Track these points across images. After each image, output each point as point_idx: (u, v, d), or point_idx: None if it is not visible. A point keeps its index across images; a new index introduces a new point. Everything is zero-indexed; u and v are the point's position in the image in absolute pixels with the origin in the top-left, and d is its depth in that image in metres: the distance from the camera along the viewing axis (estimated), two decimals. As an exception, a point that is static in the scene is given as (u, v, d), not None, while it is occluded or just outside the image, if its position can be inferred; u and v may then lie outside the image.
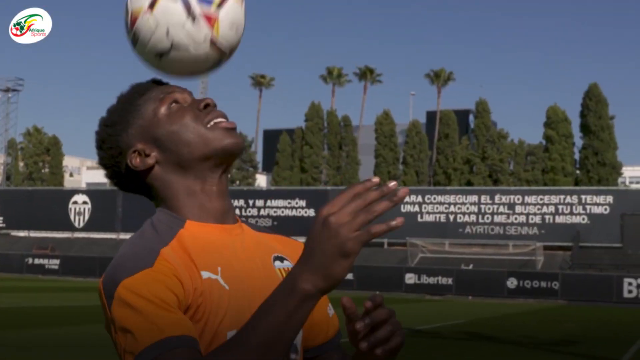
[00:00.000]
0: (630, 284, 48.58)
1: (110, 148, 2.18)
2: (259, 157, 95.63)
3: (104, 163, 2.22)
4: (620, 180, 76.22)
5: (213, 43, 2.11)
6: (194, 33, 2.08)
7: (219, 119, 2.12)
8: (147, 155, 2.13)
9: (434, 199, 62.44)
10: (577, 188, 62.93)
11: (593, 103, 72.15)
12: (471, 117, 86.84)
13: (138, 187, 2.20)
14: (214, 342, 1.95)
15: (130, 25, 2.14)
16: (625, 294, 48.43)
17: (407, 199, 62.21)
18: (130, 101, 2.17)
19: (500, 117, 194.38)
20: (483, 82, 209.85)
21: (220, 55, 2.15)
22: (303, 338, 2.23)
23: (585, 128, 72.43)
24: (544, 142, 74.44)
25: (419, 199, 62.52)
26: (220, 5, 2.09)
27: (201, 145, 2.09)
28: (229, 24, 2.11)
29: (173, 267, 1.94)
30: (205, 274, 1.99)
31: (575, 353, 19.30)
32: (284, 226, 59.92)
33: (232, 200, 2.20)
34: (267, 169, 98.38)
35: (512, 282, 50.85)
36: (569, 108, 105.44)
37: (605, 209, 58.77)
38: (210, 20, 2.08)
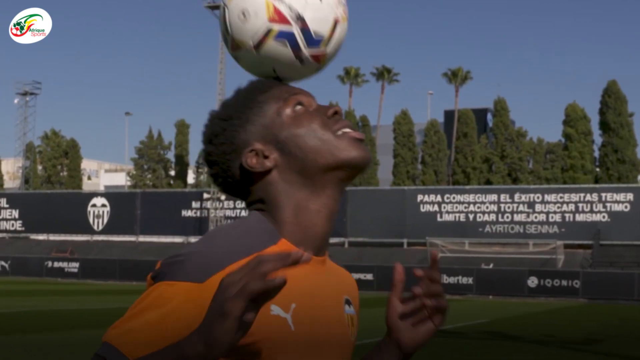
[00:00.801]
0: (651, 281, 48.33)
1: (223, 143, 2.00)
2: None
3: (212, 159, 2.03)
4: (639, 177, 75.88)
5: (318, 69, 2.10)
6: (301, 70, 2.06)
7: (348, 129, 1.98)
8: (266, 157, 1.96)
9: (453, 198, 62.33)
10: (597, 186, 62.73)
11: (612, 100, 71.84)
12: (489, 116, 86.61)
13: (243, 191, 2.03)
14: None
15: (232, 48, 2.06)
16: (647, 292, 48.18)
17: (426, 199, 62.26)
18: (251, 97, 2.01)
19: (519, 115, 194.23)
20: (501, 80, 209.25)
21: (321, 70, 2.13)
22: None
23: (604, 125, 72.15)
24: (563, 140, 74.23)
25: (438, 198, 62.44)
26: (328, 42, 2.04)
27: (328, 154, 1.95)
28: (335, 50, 2.09)
29: None
30: (275, 309, 1.82)
31: (598, 352, 19.15)
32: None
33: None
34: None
35: (532, 281, 50.68)
36: (588, 105, 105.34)
37: (626, 207, 58.55)
38: (319, 57, 2.05)
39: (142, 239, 69.21)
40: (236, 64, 2.11)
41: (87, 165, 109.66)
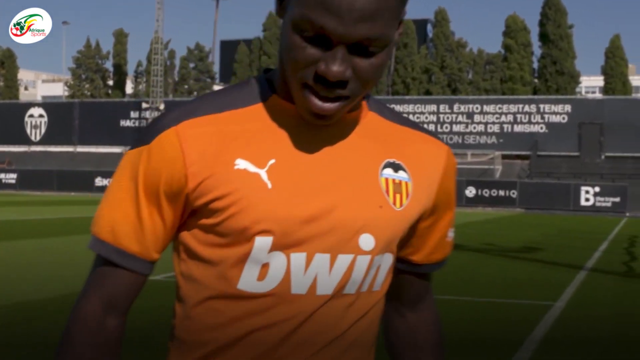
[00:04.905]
0: (587, 192, 49.06)
1: None
2: (216, 68, 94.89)
3: None
4: (577, 89, 76.51)
5: None
6: None
7: (315, 99, 1.68)
8: (283, 8, 1.70)
9: (393, 108, 62.20)
10: (536, 97, 63.14)
11: (552, 12, 72.03)
12: (430, 27, 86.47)
13: None
14: (239, 242, 1.68)
15: None
16: (583, 202, 48.93)
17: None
18: None
19: (459, 26, 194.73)
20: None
21: None
22: (398, 247, 1.92)
23: (544, 37, 72.42)
24: (502, 51, 74.43)
25: (378, 109, 62.44)
26: None
27: (291, 88, 1.70)
28: None
29: (177, 148, 1.70)
30: (241, 164, 1.68)
31: (539, 260, 19.40)
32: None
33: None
34: (224, 79, 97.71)
35: (470, 191, 51.15)
36: (528, 17, 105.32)
37: (563, 118, 59.08)
38: None
39: (80, 149, 68.62)
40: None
41: (23, 75, 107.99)
